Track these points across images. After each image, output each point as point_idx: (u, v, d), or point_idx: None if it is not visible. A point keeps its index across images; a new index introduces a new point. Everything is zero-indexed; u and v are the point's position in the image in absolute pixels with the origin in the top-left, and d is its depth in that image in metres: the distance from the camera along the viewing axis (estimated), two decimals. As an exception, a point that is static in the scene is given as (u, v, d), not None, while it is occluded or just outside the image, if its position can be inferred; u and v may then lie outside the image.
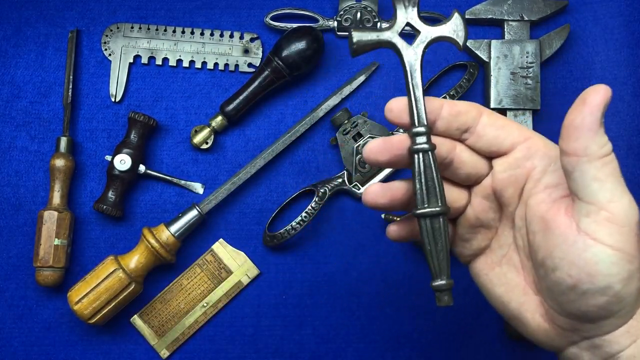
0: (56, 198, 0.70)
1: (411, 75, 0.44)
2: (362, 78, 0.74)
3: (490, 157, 0.45)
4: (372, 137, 0.70)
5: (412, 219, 0.47)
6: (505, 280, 0.46)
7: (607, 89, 0.39)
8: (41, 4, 0.75)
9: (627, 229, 0.39)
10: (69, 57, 0.73)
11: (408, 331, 0.72)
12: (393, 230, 0.48)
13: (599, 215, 0.39)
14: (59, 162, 0.70)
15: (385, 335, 0.72)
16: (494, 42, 0.73)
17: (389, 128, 0.73)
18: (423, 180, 0.43)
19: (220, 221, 0.73)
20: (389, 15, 0.75)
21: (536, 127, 0.73)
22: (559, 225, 0.40)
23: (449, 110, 0.43)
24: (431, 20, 0.75)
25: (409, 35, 0.45)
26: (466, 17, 0.74)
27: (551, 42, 0.73)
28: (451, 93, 0.71)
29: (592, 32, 0.75)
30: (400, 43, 0.45)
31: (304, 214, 0.70)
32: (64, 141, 0.71)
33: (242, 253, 0.72)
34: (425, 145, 0.42)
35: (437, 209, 0.43)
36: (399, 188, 0.45)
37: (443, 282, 0.43)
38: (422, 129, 0.43)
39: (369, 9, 0.73)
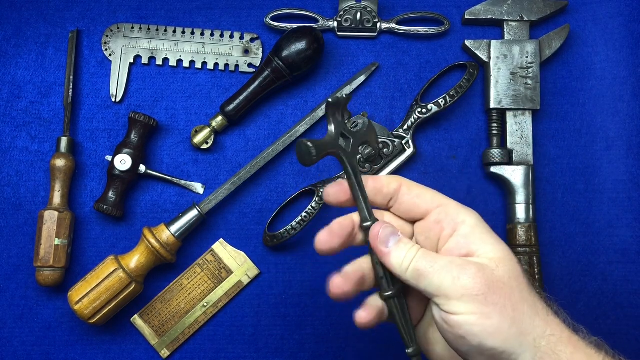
0: (56, 198, 0.70)
1: (355, 176, 0.49)
2: (362, 78, 0.74)
3: (412, 221, 0.51)
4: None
5: (376, 304, 0.51)
6: (439, 338, 0.51)
7: (379, 225, 0.48)
8: (41, 4, 0.75)
9: (466, 296, 0.44)
10: (69, 57, 0.74)
11: (408, 331, 0.72)
12: (362, 317, 0.50)
13: (440, 299, 0.45)
14: (60, 162, 0.70)
15: (386, 335, 0.72)
16: (493, 42, 0.73)
17: (389, 128, 0.73)
18: (384, 267, 0.49)
19: (220, 221, 0.73)
20: (388, 15, 0.75)
21: (536, 127, 0.74)
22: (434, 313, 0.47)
23: (373, 184, 0.50)
24: (431, 21, 0.75)
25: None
26: (466, 17, 0.74)
27: (551, 42, 0.73)
28: (451, 93, 0.71)
29: (592, 32, 0.75)
30: (343, 148, 0.49)
31: (304, 214, 0.70)
32: (64, 141, 0.71)
33: (242, 253, 0.72)
34: None
35: (399, 286, 0.49)
36: (356, 275, 0.50)
37: (413, 348, 0.50)
38: (371, 223, 0.49)
39: (368, 9, 0.74)
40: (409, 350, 0.50)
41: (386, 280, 0.49)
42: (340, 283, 0.48)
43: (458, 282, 0.45)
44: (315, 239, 0.49)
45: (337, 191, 0.49)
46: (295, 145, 0.47)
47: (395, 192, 0.50)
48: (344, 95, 0.49)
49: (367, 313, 0.50)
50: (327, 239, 0.48)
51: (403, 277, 0.47)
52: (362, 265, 0.50)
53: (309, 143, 0.46)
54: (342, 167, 0.49)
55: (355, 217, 0.50)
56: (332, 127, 0.48)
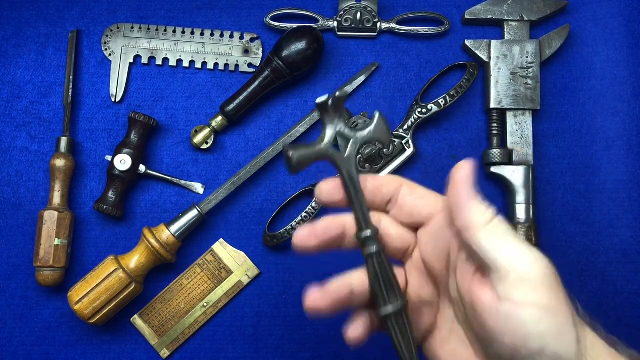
0: (56, 198, 0.70)
1: (351, 182, 0.44)
2: (362, 78, 0.74)
3: (414, 228, 0.46)
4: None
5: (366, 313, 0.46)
6: (457, 356, 0.46)
7: (469, 164, 0.41)
8: (41, 4, 0.75)
9: (539, 282, 0.39)
10: (69, 57, 0.74)
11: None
12: (352, 332, 0.46)
13: (508, 277, 0.39)
14: (59, 162, 0.70)
15: (386, 334, 0.72)
16: (493, 42, 0.73)
17: (390, 128, 0.73)
18: (381, 280, 0.43)
19: (220, 221, 0.73)
20: (388, 15, 0.75)
21: (536, 127, 0.74)
22: (480, 298, 0.41)
23: (372, 183, 0.46)
24: (431, 21, 0.75)
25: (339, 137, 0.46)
26: (466, 17, 0.74)
27: (551, 42, 0.73)
28: (451, 93, 0.71)
29: (592, 32, 0.75)
30: (336, 154, 0.45)
31: (304, 214, 0.70)
32: (64, 141, 0.71)
33: (242, 253, 0.72)
34: (374, 248, 0.44)
35: (401, 303, 0.44)
36: (338, 292, 0.44)
37: None
38: (369, 232, 0.44)
39: (368, 9, 0.74)
40: None
41: (385, 294, 0.43)
42: (316, 298, 0.43)
43: (532, 261, 0.39)
44: (294, 234, 0.44)
45: (330, 189, 0.45)
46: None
47: (395, 191, 0.45)
48: (336, 94, 0.44)
49: (359, 325, 0.44)
50: (306, 236, 0.44)
51: (478, 234, 0.40)
52: (350, 280, 0.44)
53: (290, 152, 0.42)
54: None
55: (348, 221, 0.45)
56: (325, 131, 0.44)
